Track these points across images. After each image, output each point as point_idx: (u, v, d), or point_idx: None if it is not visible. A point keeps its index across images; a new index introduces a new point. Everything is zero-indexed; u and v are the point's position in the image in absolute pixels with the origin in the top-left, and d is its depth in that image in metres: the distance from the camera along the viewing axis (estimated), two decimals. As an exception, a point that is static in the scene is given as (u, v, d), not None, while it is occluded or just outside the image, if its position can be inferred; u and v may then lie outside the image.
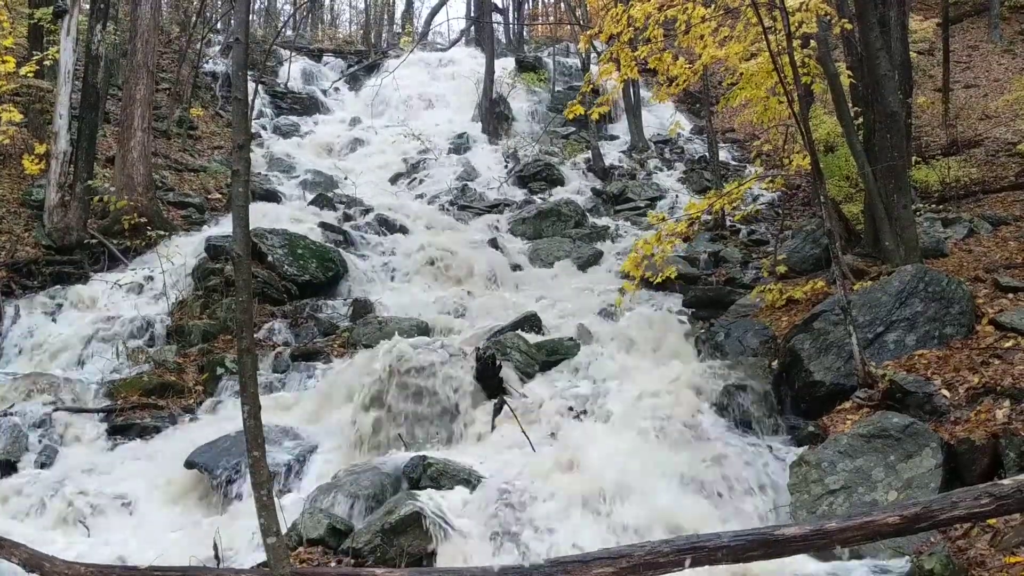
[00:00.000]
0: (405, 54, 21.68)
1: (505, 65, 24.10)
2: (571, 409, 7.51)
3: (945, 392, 6.46)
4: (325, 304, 11.01)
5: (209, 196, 15.53)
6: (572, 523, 5.80)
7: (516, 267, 12.94)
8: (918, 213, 11.17)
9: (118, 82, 17.30)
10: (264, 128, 20.71)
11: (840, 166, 12.63)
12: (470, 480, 6.42)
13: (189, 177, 16.10)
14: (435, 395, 7.82)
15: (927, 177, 13.35)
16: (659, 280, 9.70)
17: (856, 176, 11.02)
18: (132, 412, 8.39)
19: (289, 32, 27.09)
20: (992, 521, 4.95)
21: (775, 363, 7.72)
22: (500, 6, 30.74)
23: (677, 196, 16.37)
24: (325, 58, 27.08)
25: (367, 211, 14.90)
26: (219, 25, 24.43)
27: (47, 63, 12.97)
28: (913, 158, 13.16)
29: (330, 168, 18.52)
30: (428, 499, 5.95)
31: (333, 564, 5.53)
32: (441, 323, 10.24)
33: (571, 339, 9.21)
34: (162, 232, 12.17)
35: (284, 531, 5.07)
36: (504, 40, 30.46)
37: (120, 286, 11.15)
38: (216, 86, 21.86)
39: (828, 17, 9.29)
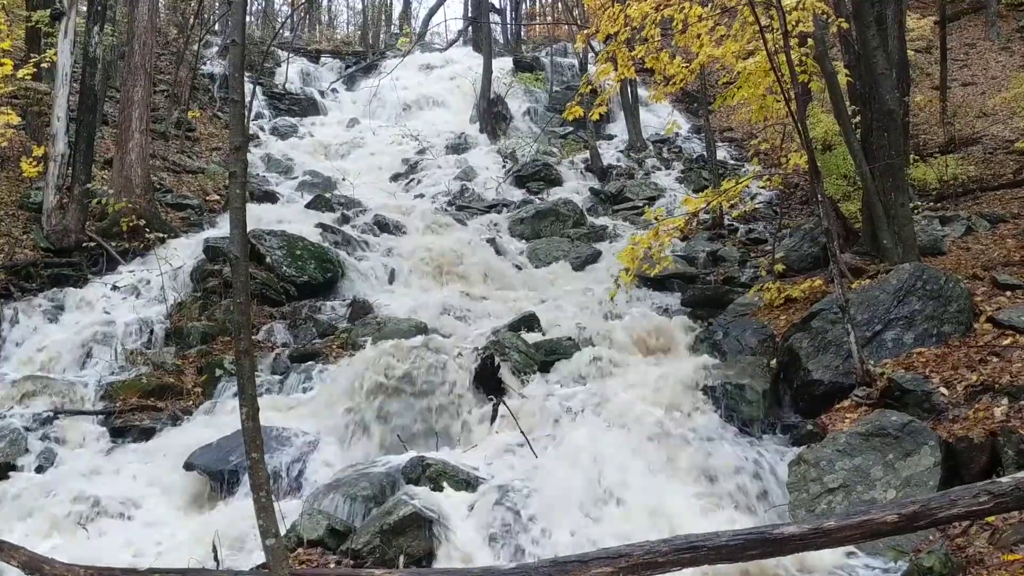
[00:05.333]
0: (403, 55, 21.69)
1: (503, 65, 24.10)
2: (569, 409, 7.50)
3: (943, 390, 6.47)
4: (324, 305, 11.00)
5: (207, 198, 15.52)
6: (570, 523, 5.80)
7: (515, 267, 12.93)
8: (916, 211, 11.19)
9: (116, 84, 17.29)
10: (262, 129, 20.70)
11: (838, 164, 12.63)
12: (469, 481, 6.43)
13: (187, 179, 16.09)
14: (434, 396, 7.83)
15: (925, 175, 13.36)
16: (656, 272, 9.68)
17: (854, 174, 11.03)
18: (131, 414, 8.38)
19: (287, 33, 27.07)
20: (991, 519, 4.96)
21: (773, 362, 7.72)
22: (497, 6, 30.78)
23: (675, 195, 16.36)
24: (323, 59, 27.09)
25: (365, 212, 14.89)
26: (217, 26, 24.42)
27: (45, 65, 12.96)
28: (911, 156, 13.19)
29: (328, 169, 18.51)
30: (427, 500, 5.95)
31: (332, 565, 5.53)
32: (440, 324, 10.23)
33: (570, 339, 9.20)
34: (160, 234, 12.14)
35: (283, 532, 5.07)
36: (501, 40, 30.47)
37: (118, 288, 11.13)
38: (214, 87, 21.86)
39: (825, 16, 9.29)
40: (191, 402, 8.77)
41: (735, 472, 6.35)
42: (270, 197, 15.81)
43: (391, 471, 6.61)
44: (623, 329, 9.60)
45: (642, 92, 20.92)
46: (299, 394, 8.70)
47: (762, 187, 14.80)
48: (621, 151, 19.80)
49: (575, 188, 17.49)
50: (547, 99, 23.08)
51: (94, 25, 12.53)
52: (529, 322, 9.69)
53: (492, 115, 21.48)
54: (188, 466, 7.11)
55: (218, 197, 15.52)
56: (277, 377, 9.08)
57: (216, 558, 5.46)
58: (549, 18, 35.24)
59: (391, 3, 38.09)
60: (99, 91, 13.53)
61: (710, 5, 9.48)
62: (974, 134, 15.79)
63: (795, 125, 7.82)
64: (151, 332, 10.02)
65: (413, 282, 12.11)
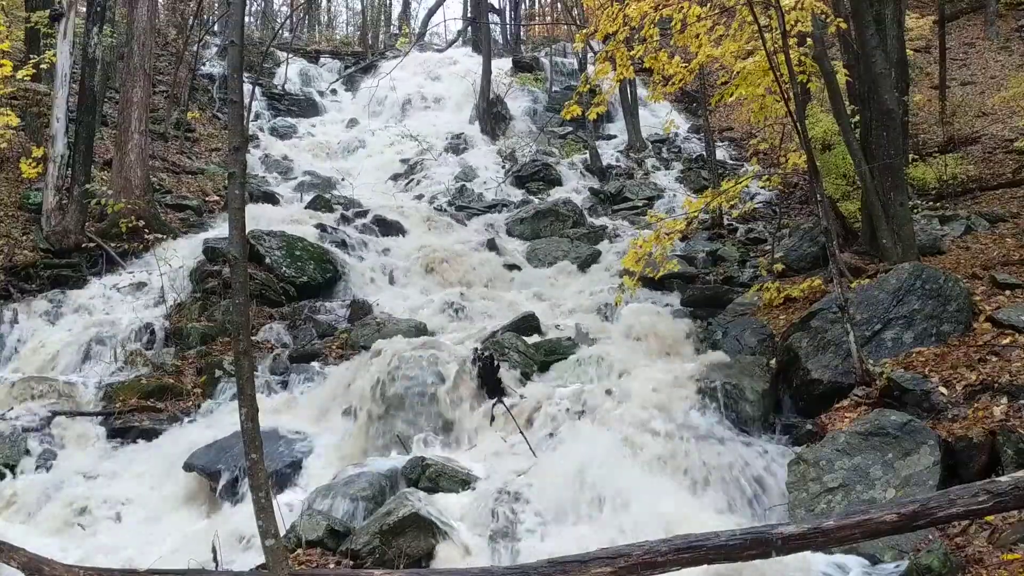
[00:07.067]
0: (402, 55, 21.71)
1: (502, 66, 24.12)
2: (569, 409, 7.50)
3: (943, 389, 6.46)
4: (323, 306, 11.00)
5: (207, 198, 15.52)
6: (569, 523, 5.81)
7: (514, 267, 12.93)
8: (915, 211, 11.19)
9: (115, 85, 17.31)
10: (261, 130, 20.71)
11: (837, 164, 12.63)
12: (468, 481, 6.44)
13: (187, 179, 16.10)
14: (433, 396, 7.82)
15: (924, 175, 13.35)
16: (659, 276, 9.69)
17: (853, 174, 11.03)
18: (131, 415, 8.38)
19: (286, 34, 27.08)
20: (990, 518, 4.95)
21: (773, 361, 7.72)
22: (497, 7, 30.74)
23: (675, 195, 16.37)
24: (322, 59, 27.11)
25: (365, 212, 14.89)
26: (216, 27, 24.43)
27: (44, 66, 12.96)
28: (910, 156, 13.18)
29: (328, 169, 18.52)
30: (426, 500, 5.96)
31: (332, 566, 5.53)
32: (439, 324, 10.24)
33: (569, 339, 9.22)
34: (160, 235, 12.15)
35: (283, 533, 5.07)
36: (501, 41, 30.45)
37: (118, 289, 11.14)
38: (213, 88, 21.88)
39: (823, 15, 9.29)
40: (191, 403, 8.77)
41: (734, 472, 6.35)
42: (269, 198, 15.81)
43: (390, 471, 6.61)
44: (622, 329, 9.61)
45: (641, 92, 20.90)
46: (299, 395, 8.71)
47: (761, 187, 14.80)
48: (620, 151, 19.80)
49: (575, 188, 17.49)
50: (546, 99, 23.08)
51: (93, 26, 12.53)
52: (529, 322, 9.69)
53: (491, 115, 21.48)
54: (188, 467, 7.11)
55: (217, 198, 15.53)
56: (277, 378, 9.09)
57: (215, 559, 5.46)
58: (548, 18, 35.25)
59: (390, 3, 38.10)
60: (98, 92, 13.55)
61: (709, 5, 9.47)
62: (973, 133, 15.78)
63: (794, 125, 7.82)
64: (151, 333, 10.02)
65: (413, 282, 12.11)
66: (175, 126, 18.17)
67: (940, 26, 17.90)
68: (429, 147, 19.86)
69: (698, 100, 19.50)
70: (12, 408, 8.25)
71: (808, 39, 9.78)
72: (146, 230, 11.74)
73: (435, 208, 16.18)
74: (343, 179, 17.76)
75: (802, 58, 9.87)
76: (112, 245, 12.09)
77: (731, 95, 10.54)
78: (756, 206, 14.40)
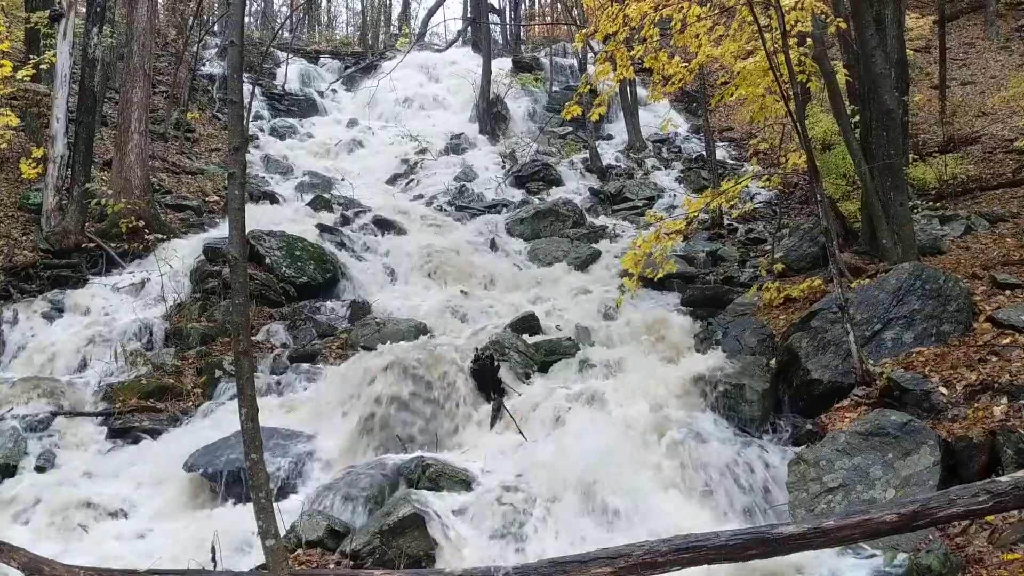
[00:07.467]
0: (402, 55, 21.71)
1: (502, 66, 24.13)
2: (569, 409, 7.50)
3: (943, 389, 6.47)
4: (323, 306, 11.00)
5: (207, 199, 15.52)
6: (569, 523, 5.81)
7: (515, 267, 12.94)
8: (915, 210, 11.19)
9: (115, 85, 17.31)
10: (261, 130, 20.70)
11: (837, 164, 12.63)
12: (468, 481, 6.44)
13: (187, 180, 16.09)
14: (433, 396, 7.82)
15: (924, 175, 13.35)
16: (659, 276, 9.71)
17: (853, 174, 11.03)
18: (131, 415, 8.38)
19: (286, 34, 27.09)
20: (990, 518, 4.96)
21: (773, 361, 7.72)
22: (497, 7, 30.75)
23: (675, 195, 16.38)
24: (322, 60, 27.13)
25: (365, 212, 14.89)
26: (216, 27, 24.43)
27: (44, 67, 12.96)
28: (910, 155, 13.19)
29: (328, 169, 18.51)
30: (426, 500, 5.95)
31: (332, 566, 5.53)
32: (439, 324, 10.23)
33: (569, 339, 9.22)
34: (160, 235, 12.15)
35: (283, 533, 5.07)
36: (501, 41, 30.46)
37: (118, 289, 11.13)
38: (213, 88, 21.87)
39: (823, 15, 9.30)
40: (191, 403, 8.77)
41: (734, 471, 6.35)
42: (269, 198, 15.81)
43: (391, 472, 6.61)
44: (622, 329, 9.61)
45: (641, 92, 20.91)
46: (299, 395, 8.70)
47: (761, 187, 14.81)
48: (620, 151, 19.81)
49: (575, 188, 17.50)
50: (546, 99, 23.09)
51: (93, 26, 12.53)
52: (529, 322, 9.69)
53: (491, 115, 21.49)
54: (188, 467, 7.10)
55: (217, 198, 15.52)
56: (277, 378, 9.08)
57: (214, 559, 5.45)
58: (548, 18, 35.26)
59: (390, 4, 38.11)
60: (98, 92, 13.54)
61: (709, 5, 9.48)
62: (973, 133, 15.79)
63: (794, 125, 7.82)
64: (151, 333, 10.02)
65: (413, 282, 12.11)
66: (175, 126, 18.16)
67: (940, 26, 17.90)
68: (429, 147, 19.86)
69: (698, 100, 19.51)
70: (12, 408, 8.24)
71: (808, 39, 9.79)
72: (146, 230, 11.73)
73: (435, 208, 16.18)
74: (343, 179, 17.76)
75: (802, 58, 9.87)
76: (112, 245, 12.08)
77: (731, 95, 10.55)
78: (756, 206, 14.40)
